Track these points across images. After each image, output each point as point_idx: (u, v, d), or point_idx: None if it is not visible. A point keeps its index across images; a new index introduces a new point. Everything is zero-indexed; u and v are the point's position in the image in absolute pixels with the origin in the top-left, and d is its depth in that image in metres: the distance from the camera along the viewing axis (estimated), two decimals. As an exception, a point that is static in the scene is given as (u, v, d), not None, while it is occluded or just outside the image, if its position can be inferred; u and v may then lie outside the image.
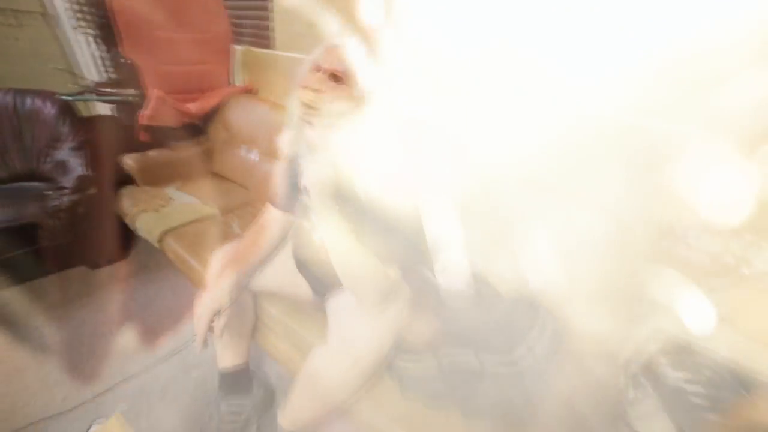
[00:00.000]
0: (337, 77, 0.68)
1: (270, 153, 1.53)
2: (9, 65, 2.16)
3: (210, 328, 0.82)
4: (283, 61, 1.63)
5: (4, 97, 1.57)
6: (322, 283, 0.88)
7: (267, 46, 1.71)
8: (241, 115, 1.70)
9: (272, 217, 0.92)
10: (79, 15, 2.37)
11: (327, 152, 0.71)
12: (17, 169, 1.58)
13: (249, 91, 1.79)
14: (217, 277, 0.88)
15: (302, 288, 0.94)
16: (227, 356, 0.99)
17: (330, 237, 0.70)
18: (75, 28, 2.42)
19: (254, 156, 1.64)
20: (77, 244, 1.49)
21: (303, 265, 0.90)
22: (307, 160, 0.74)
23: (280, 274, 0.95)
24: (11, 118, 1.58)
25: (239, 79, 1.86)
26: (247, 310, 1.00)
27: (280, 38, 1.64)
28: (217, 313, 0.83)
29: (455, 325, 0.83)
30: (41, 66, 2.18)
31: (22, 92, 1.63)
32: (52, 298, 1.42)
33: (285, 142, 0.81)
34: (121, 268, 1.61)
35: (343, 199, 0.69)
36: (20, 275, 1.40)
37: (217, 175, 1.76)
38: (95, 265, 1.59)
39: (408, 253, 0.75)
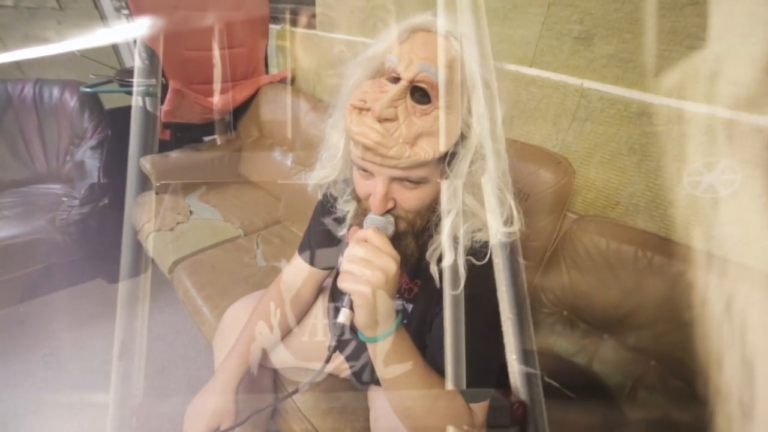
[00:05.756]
0: (427, 94, 0.33)
1: (306, 162, 1.22)
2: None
3: None
4: (328, 45, 1.29)
5: (24, 87, 1.42)
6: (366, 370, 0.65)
7: (309, 26, 1.38)
8: (274, 111, 1.41)
9: (300, 273, 0.67)
10: (117, -5, 2.23)
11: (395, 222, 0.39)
12: (38, 170, 1.43)
13: (284, 80, 1.48)
14: (223, 363, 0.62)
15: (338, 363, 0.71)
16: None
17: (383, 359, 0.42)
18: (117, 10, 2.28)
19: (288, 161, 1.35)
20: (92, 258, 1.32)
21: (343, 344, 0.67)
22: (352, 221, 0.44)
23: (309, 346, 0.72)
24: (33, 112, 1.42)
25: (274, 66, 1.56)
26: (264, 390, 0.74)
27: (326, 15, 1.30)
28: None
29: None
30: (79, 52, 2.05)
31: (46, 83, 1.46)
32: (60, 317, 1.27)
33: (315, 182, 0.49)
34: (142, 283, 1.43)
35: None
36: (30, 290, 1.26)
37: (245, 180, 1.50)
38: (113, 279, 1.43)
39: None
